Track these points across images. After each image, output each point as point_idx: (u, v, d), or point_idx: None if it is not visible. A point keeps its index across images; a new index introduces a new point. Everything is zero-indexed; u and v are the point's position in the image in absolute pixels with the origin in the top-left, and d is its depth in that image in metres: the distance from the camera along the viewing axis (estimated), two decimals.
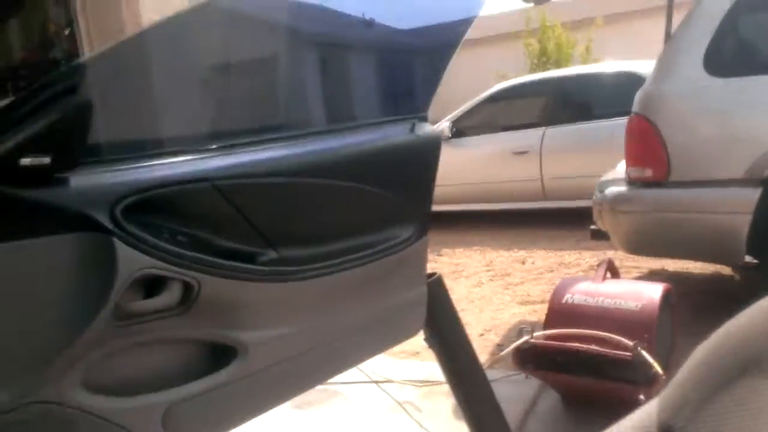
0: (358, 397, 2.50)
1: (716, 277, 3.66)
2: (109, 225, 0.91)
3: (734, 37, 2.98)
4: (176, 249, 0.98)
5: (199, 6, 1.32)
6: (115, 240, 0.91)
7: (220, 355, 1.11)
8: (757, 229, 2.61)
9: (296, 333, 1.21)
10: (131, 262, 0.93)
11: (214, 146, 1.12)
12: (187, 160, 1.07)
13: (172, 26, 1.18)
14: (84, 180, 0.94)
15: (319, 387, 2.31)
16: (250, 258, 1.10)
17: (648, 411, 0.57)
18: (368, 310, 1.40)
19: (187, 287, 1.00)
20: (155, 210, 1.00)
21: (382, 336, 1.47)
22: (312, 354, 1.26)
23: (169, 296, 0.99)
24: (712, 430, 0.46)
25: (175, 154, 1.08)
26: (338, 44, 1.58)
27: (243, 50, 1.33)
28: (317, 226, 1.27)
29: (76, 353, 0.92)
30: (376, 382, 2.59)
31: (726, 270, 3.67)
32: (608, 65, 6.02)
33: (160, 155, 1.07)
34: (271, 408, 1.26)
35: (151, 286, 0.98)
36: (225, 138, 1.16)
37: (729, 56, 2.94)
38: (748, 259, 2.77)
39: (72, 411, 0.94)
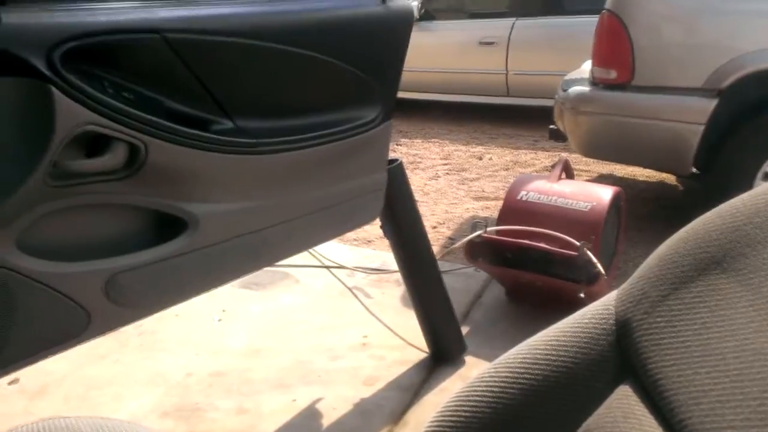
0: (309, 280, 2.51)
1: (661, 186, 3.76)
2: (46, 71, 0.81)
3: None
4: (122, 106, 0.89)
5: None
6: (54, 90, 0.81)
7: (169, 226, 1.05)
8: (706, 141, 2.65)
9: (251, 210, 1.16)
10: (72, 115, 0.84)
11: None
12: (135, 7, 0.95)
13: None
14: (16, 18, 0.82)
15: (269, 269, 2.31)
16: (204, 125, 1.02)
17: (606, 303, 0.57)
18: (327, 192, 1.35)
19: (133, 149, 0.92)
20: (99, 60, 0.89)
21: (339, 220, 1.44)
22: (266, 233, 1.22)
23: (113, 158, 0.90)
24: (668, 323, 0.47)
25: None
26: None
27: None
28: (278, 98, 1.18)
29: (9, 212, 0.85)
30: (328, 267, 2.60)
31: (671, 179, 3.77)
32: None
33: None
34: (219, 285, 1.22)
35: (94, 146, 0.89)
36: None
37: None
38: (693, 170, 2.83)
39: (5, 272, 0.87)
